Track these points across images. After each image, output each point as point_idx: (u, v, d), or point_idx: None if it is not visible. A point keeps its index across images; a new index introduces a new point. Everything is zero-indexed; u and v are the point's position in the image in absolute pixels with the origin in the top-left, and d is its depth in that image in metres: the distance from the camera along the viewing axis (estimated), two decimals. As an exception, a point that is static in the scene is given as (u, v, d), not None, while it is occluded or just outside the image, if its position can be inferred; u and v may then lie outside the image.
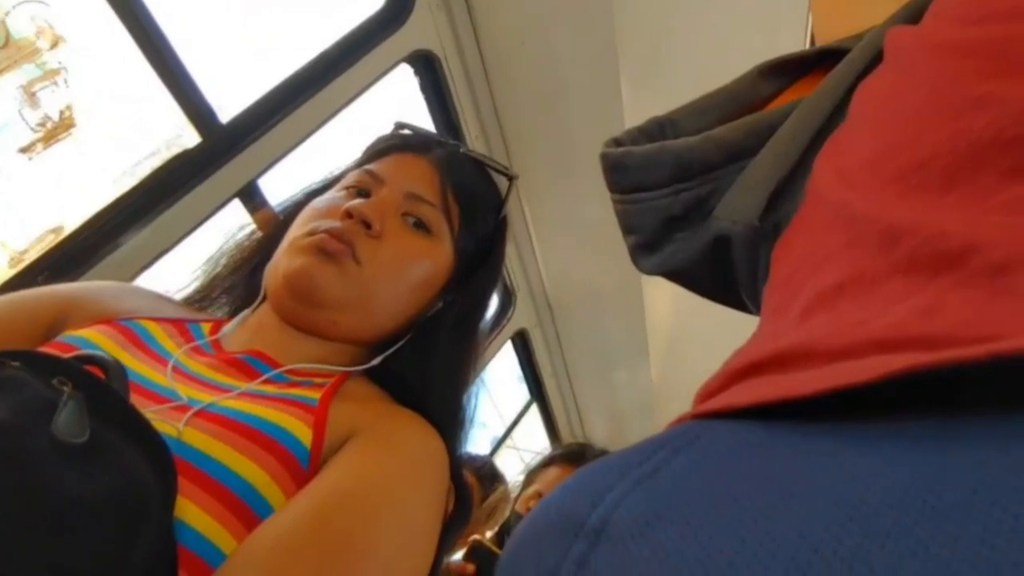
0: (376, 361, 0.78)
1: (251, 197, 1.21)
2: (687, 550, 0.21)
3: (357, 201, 0.76)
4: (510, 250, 1.74)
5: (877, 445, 0.21)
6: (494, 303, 0.94)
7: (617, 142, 0.50)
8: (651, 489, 0.24)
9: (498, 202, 0.89)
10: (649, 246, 0.49)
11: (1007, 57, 0.29)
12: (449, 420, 0.80)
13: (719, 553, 0.20)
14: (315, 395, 0.67)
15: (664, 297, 1.69)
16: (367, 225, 0.74)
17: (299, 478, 0.61)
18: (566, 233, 1.68)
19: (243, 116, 1.20)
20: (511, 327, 1.85)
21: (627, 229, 0.50)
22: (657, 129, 0.51)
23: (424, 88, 1.48)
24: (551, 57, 1.38)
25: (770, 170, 0.42)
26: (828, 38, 0.50)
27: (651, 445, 0.26)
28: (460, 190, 0.82)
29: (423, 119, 1.50)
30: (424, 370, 0.79)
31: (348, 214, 0.74)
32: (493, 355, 1.80)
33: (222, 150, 1.16)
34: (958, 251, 0.24)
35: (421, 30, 1.38)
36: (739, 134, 0.46)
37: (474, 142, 1.54)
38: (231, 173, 1.16)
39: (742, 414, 0.25)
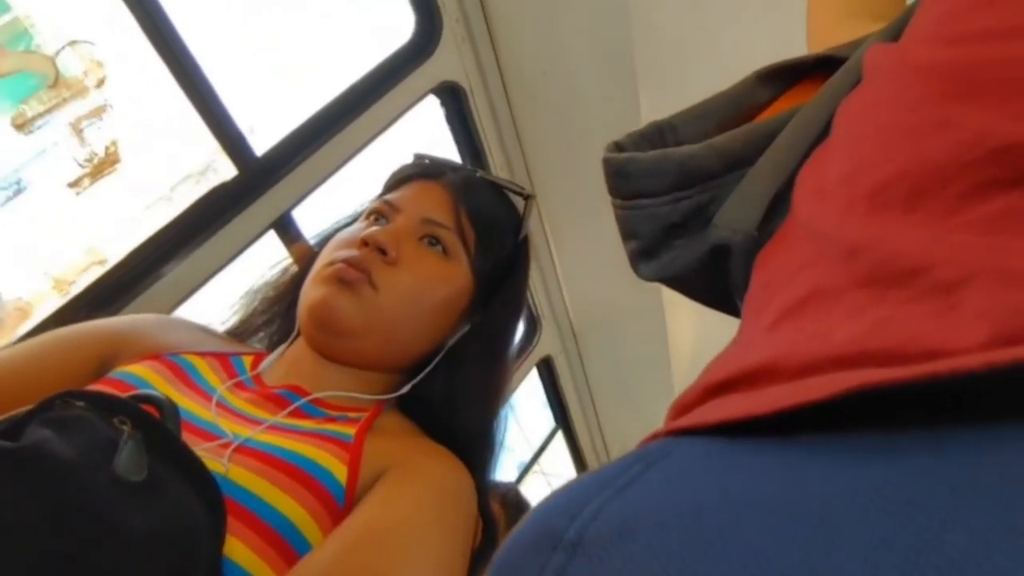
0: (406, 389, 0.80)
1: (285, 228, 1.24)
2: (656, 561, 0.22)
3: (372, 229, 0.79)
4: (534, 278, 1.76)
5: (826, 459, 0.23)
6: (519, 329, 0.95)
7: (619, 147, 0.51)
8: (624, 502, 0.25)
9: (516, 222, 0.89)
10: (648, 252, 0.50)
11: (971, 80, 0.30)
12: (478, 449, 0.82)
13: (683, 564, 0.21)
14: (350, 431, 0.69)
15: (686, 321, 1.69)
16: (383, 252, 0.76)
17: (335, 515, 0.63)
18: (590, 260, 1.70)
19: (277, 148, 1.24)
20: (536, 354, 1.87)
21: (627, 235, 0.51)
22: (657, 134, 0.51)
23: (450, 119, 1.51)
24: (572, 87, 1.40)
25: (768, 180, 0.42)
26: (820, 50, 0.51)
27: (627, 460, 0.27)
28: (474, 212, 0.83)
29: (449, 149, 1.53)
30: (454, 395, 0.80)
31: (364, 243, 0.77)
32: (519, 382, 1.81)
33: (257, 182, 1.20)
34: (909, 270, 0.26)
35: (447, 62, 1.42)
36: (738, 143, 0.46)
37: (499, 171, 1.57)
38: (266, 205, 1.20)
39: (713, 430, 0.27)
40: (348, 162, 1.32)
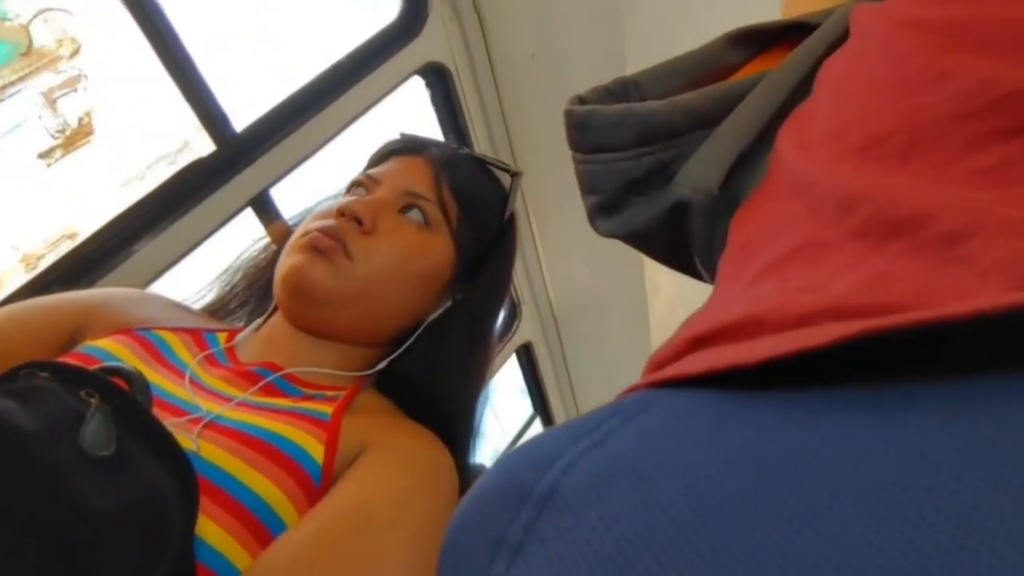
0: (383, 364, 0.79)
1: (263, 207, 1.22)
2: (636, 514, 0.21)
3: (350, 199, 0.78)
4: (516, 264, 1.75)
5: (822, 411, 0.21)
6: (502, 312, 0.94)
7: (582, 100, 0.50)
8: (600, 455, 0.24)
9: (502, 199, 0.88)
10: (608, 208, 0.49)
11: (968, 34, 0.29)
12: (459, 431, 0.81)
13: (667, 518, 0.20)
14: (327, 409, 0.68)
15: (669, 308, 1.70)
16: (359, 222, 0.75)
17: (311, 494, 0.61)
18: (573, 246, 1.69)
19: (257, 125, 1.21)
20: (516, 340, 1.86)
21: (587, 189, 0.50)
22: (622, 90, 0.50)
23: (435, 100, 1.49)
24: (561, 70, 1.39)
25: (733, 141, 0.42)
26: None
27: (602, 413, 0.26)
28: (457, 185, 0.82)
29: (434, 131, 1.51)
30: (435, 373, 0.79)
31: (340, 213, 0.76)
32: (499, 368, 1.80)
33: (236, 159, 1.17)
34: (910, 219, 0.25)
35: (433, 42, 1.39)
36: (706, 101, 0.46)
37: (483, 153, 1.55)
38: (244, 182, 1.17)
39: (694, 383, 0.25)
40: (330, 141, 1.30)
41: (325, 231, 0.74)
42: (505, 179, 0.90)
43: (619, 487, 0.22)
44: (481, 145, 1.55)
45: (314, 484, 0.62)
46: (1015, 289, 0.21)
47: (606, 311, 1.84)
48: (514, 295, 1.79)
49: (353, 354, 0.78)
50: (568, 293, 1.85)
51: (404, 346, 0.79)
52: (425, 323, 0.80)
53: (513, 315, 1.82)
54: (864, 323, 0.21)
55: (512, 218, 0.90)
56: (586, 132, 0.47)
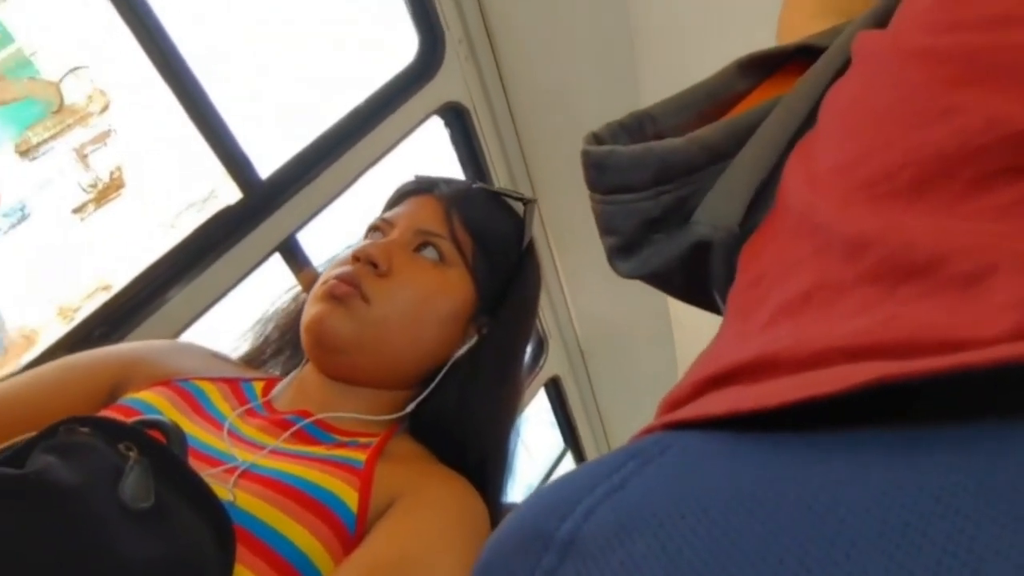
0: (411, 406, 0.78)
1: (291, 251, 1.24)
2: (656, 563, 0.21)
3: (364, 243, 0.79)
4: (541, 297, 1.75)
5: (840, 455, 0.21)
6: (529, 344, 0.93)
7: (597, 139, 0.49)
8: (621, 501, 0.23)
9: (518, 228, 0.87)
10: (627, 249, 0.49)
11: (974, 66, 0.29)
12: (492, 472, 0.80)
13: (689, 567, 0.20)
14: (361, 456, 0.68)
15: (694, 338, 1.68)
16: (374, 265, 0.76)
17: (346, 542, 0.61)
18: (596, 279, 1.69)
19: (282, 171, 1.24)
20: (544, 374, 1.85)
21: (605, 231, 0.49)
22: (637, 125, 0.50)
23: (454, 139, 1.51)
24: (576, 105, 1.40)
25: (750, 174, 0.41)
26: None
27: (621, 456, 0.26)
28: (469, 219, 0.82)
29: (454, 169, 1.53)
30: (466, 412, 0.79)
31: (356, 258, 0.76)
32: (528, 402, 1.80)
33: (262, 205, 1.19)
34: (925, 262, 0.24)
35: (450, 82, 1.42)
36: (719, 135, 0.45)
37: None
38: (271, 228, 1.20)
39: (711, 424, 0.25)
40: (353, 184, 1.32)
41: (341, 278, 0.75)
42: (520, 209, 0.90)
43: (640, 534, 0.22)
44: (501, 181, 1.57)
45: (348, 532, 0.62)
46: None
47: (632, 343, 1.83)
48: (540, 329, 1.79)
49: (383, 398, 0.79)
50: (593, 326, 1.85)
51: (431, 386, 0.79)
52: (452, 360, 0.80)
53: (540, 349, 1.82)
54: (881, 369, 0.20)
55: (531, 247, 0.90)
56: (604, 173, 0.47)
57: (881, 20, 0.39)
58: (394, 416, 0.78)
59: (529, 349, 1.51)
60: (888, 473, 0.20)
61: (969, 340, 0.21)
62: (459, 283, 0.79)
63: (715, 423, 0.25)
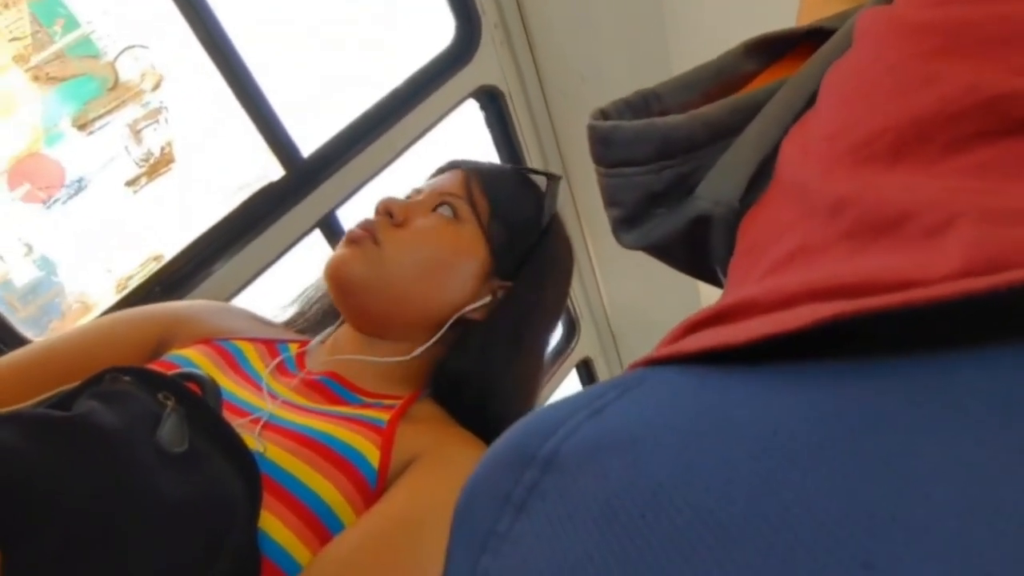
0: (419, 350, 0.80)
1: (331, 228, 1.28)
2: (626, 474, 0.23)
3: (388, 197, 0.84)
4: (574, 282, 1.76)
5: (796, 382, 0.23)
6: (555, 317, 0.94)
7: (604, 114, 0.50)
8: (598, 423, 0.26)
9: (538, 199, 0.90)
10: (630, 221, 0.50)
11: (960, 37, 0.30)
12: None
13: (653, 476, 0.22)
14: (384, 416, 0.72)
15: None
16: (391, 216, 0.81)
17: (368, 496, 0.65)
18: (627, 262, 1.70)
19: (323, 150, 1.27)
20: (576, 355, 1.87)
21: (609, 202, 0.50)
22: (642, 102, 0.51)
23: (489, 122, 1.53)
24: (610, 91, 1.40)
25: (752, 152, 0.42)
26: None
27: (602, 387, 0.28)
28: (487, 185, 0.86)
29: (489, 152, 1.56)
30: (485, 372, 0.81)
31: (376, 210, 0.82)
32: (559, 384, 1.82)
33: (303, 182, 1.24)
34: (895, 217, 0.26)
35: (486, 66, 1.44)
36: (724, 113, 0.46)
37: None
38: (312, 204, 1.24)
39: (690, 361, 0.27)
40: (391, 163, 1.36)
41: (360, 224, 0.81)
42: (544, 185, 0.92)
43: (613, 450, 0.24)
44: (534, 163, 1.59)
45: (370, 487, 0.66)
46: (971, 262, 0.22)
47: (662, 326, 1.81)
48: (572, 311, 1.81)
49: (403, 349, 0.82)
50: (624, 308, 1.86)
51: (439, 334, 0.81)
52: (462, 313, 0.82)
53: (572, 330, 1.84)
54: (836, 307, 0.22)
55: (556, 221, 0.92)
56: (609, 147, 0.48)
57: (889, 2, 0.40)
58: (408, 357, 0.80)
59: (560, 329, 1.52)
60: (833, 394, 0.22)
61: (919, 279, 0.22)
62: (470, 239, 0.83)
63: (696, 360, 0.27)
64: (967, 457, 0.18)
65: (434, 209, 0.83)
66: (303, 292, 0.97)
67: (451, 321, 0.81)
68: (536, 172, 0.94)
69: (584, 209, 1.66)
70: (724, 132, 0.46)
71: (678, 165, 0.46)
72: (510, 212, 0.86)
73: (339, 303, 0.81)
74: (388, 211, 0.81)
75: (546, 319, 0.90)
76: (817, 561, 0.18)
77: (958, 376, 0.21)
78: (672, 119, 0.47)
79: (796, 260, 0.30)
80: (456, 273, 0.81)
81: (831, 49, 0.43)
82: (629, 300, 1.84)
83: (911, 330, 0.22)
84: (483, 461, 0.29)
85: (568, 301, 1.78)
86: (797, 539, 0.18)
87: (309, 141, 1.24)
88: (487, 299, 0.83)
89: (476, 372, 0.81)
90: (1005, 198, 0.25)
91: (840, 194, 0.29)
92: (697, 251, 0.48)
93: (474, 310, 0.82)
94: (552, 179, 0.92)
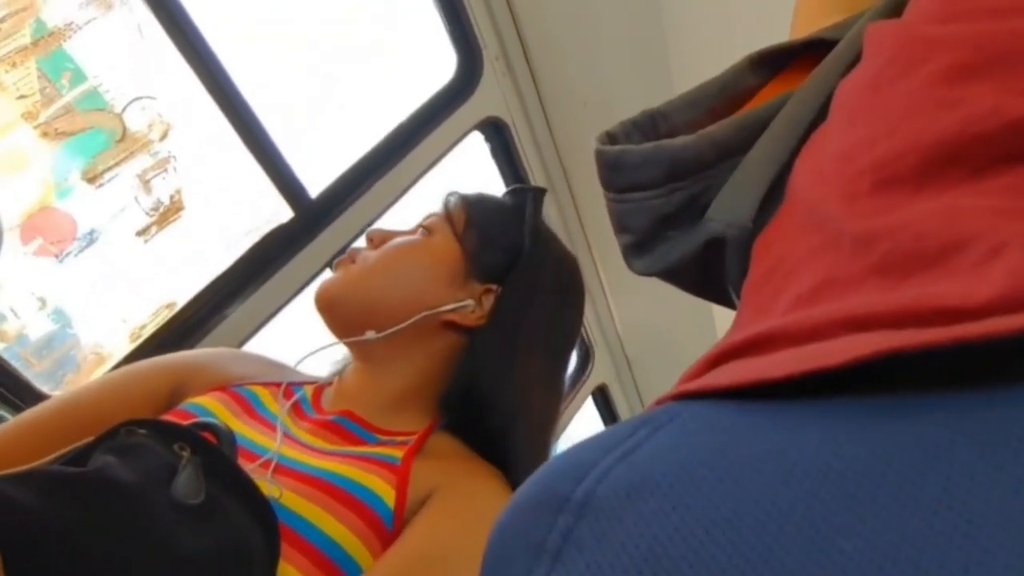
0: (381, 335, 0.80)
1: (341, 266, 1.28)
2: (667, 520, 0.22)
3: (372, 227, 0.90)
4: (587, 309, 1.75)
5: (840, 418, 0.22)
6: (556, 335, 0.92)
7: (611, 137, 0.49)
8: (632, 464, 0.25)
9: (520, 210, 0.91)
10: (641, 246, 0.49)
11: (980, 55, 0.29)
12: (529, 469, 0.81)
13: (696, 523, 0.21)
14: (398, 453, 0.71)
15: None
16: (372, 241, 0.87)
17: (384, 538, 0.64)
18: (639, 287, 1.68)
19: (330, 189, 1.28)
20: (591, 383, 1.85)
21: (620, 228, 0.50)
22: (649, 123, 0.50)
23: (495, 153, 1.54)
24: (614, 114, 1.41)
25: (762, 170, 0.41)
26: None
27: (633, 424, 0.27)
28: (467, 200, 0.89)
29: (495, 182, 1.56)
30: (479, 382, 0.81)
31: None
32: (576, 411, 1.80)
33: (312, 223, 1.24)
34: (938, 250, 0.24)
35: (489, 98, 1.45)
36: (732, 130, 0.45)
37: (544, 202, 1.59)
38: (322, 244, 1.24)
39: (720, 395, 0.26)
40: (398, 200, 1.37)
41: (347, 252, 0.86)
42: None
43: (650, 493, 0.23)
44: (542, 192, 1.59)
45: (386, 528, 0.64)
46: (1013, 288, 0.21)
47: (677, 351, 1.81)
48: (586, 338, 1.79)
49: (395, 358, 0.83)
50: (638, 334, 1.84)
51: (405, 323, 0.80)
52: (439, 311, 0.82)
53: (586, 357, 1.82)
54: (878, 342, 0.21)
55: (546, 234, 0.92)
56: (617, 172, 0.47)
57: (892, 11, 0.40)
58: (382, 334, 0.81)
59: (574, 356, 1.49)
60: (884, 431, 0.21)
61: (959, 307, 0.21)
62: (440, 244, 0.86)
63: (723, 394, 0.26)
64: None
65: (414, 232, 0.88)
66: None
67: (421, 315, 0.81)
68: (523, 188, 0.96)
69: (594, 235, 1.66)
70: (733, 151, 0.45)
71: (688, 187, 0.45)
72: (487, 219, 0.89)
73: (328, 325, 0.85)
74: (370, 238, 0.87)
75: (544, 328, 0.88)
76: None
77: (1014, 411, 0.19)
78: (680, 140, 0.46)
79: (822, 294, 0.29)
80: (422, 271, 0.84)
81: (835, 61, 0.43)
82: (642, 325, 1.82)
83: (952, 361, 0.21)
84: (512, 505, 0.28)
85: (582, 329, 1.77)
86: None
87: (312, 174, 1.25)
88: (468, 302, 0.83)
89: (474, 382, 0.81)
90: None
91: (867, 228, 0.28)
92: (710, 273, 0.47)
93: (454, 311, 0.83)
94: (535, 191, 0.94)
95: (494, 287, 0.84)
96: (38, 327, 1.35)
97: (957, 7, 0.32)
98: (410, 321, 0.81)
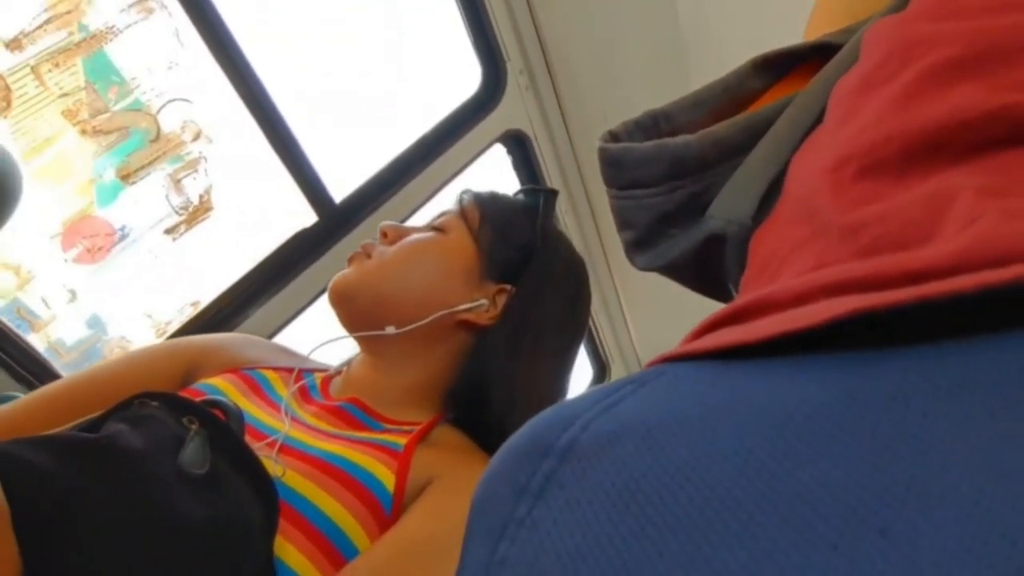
0: (401, 329, 0.80)
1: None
2: (642, 460, 0.23)
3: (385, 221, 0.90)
4: (602, 320, 1.76)
5: (811, 371, 0.23)
6: (588, 376, 0.93)
7: (613, 136, 0.50)
8: (615, 414, 0.26)
9: (534, 211, 0.92)
10: (643, 242, 0.49)
11: (972, 49, 0.30)
12: None
13: (669, 462, 0.23)
14: (401, 440, 0.72)
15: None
16: (385, 236, 0.86)
17: (382, 521, 0.65)
18: (656, 301, 1.69)
19: (354, 195, 1.31)
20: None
21: (621, 225, 0.50)
22: (651, 122, 0.50)
23: (516, 165, 1.57)
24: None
25: (762, 169, 0.42)
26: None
27: (620, 382, 0.28)
28: (480, 198, 0.89)
29: (517, 194, 1.58)
30: (485, 379, 0.82)
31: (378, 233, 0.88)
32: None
33: (336, 227, 1.27)
34: (918, 238, 0.26)
35: (512, 111, 1.48)
36: (734, 131, 0.46)
37: (564, 214, 1.60)
38: (344, 249, 1.26)
39: (707, 358, 0.27)
40: (420, 208, 1.39)
41: (361, 246, 0.86)
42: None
43: (629, 438, 0.24)
44: (562, 205, 1.61)
45: (385, 512, 0.65)
46: (974, 244, 0.22)
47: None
48: (603, 353, 1.79)
49: (406, 355, 0.83)
50: (655, 348, 1.84)
51: (424, 321, 0.81)
52: (454, 311, 0.82)
53: (603, 372, 1.82)
54: (851, 301, 0.23)
55: (557, 235, 0.93)
56: (620, 169, 0.48)
57: (896, 11, 0.40)
58: (398, 331, 0.81)
59: (591, 371, 1.49)
60: (848, 380, 0.22)
61: (925, 269, 0.23)
62: (456, 242, 0.85)
63: (713, 357, 0.27)
64: (981, 431, 0.18)
65: (428, 229, 0.88)
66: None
67: (438, 315, 0.81)
68: (536, 188, 0.96)
69: (612, 248, 1.67)
70: (734, 151, 0.46)
71: (689, 185, 0.46)
72: (501, 218, 0.89)
73: (340, 319, 0.85)
74: (383, 232, 0.87)
75: (553, 329, 0.89)
76: (834, 532, 0.18)
77: (970, 359, 0.21)
78: (682, 139, 0.47)
79: None
80: (439, 271, 0.84)
81: (838, 64, 0.44)
82: (659, 339, 1.82)
83: (925, 316, 0.22)
84: (500, 454, 0.29)
85: (598, 345, 1.77)
86: (815, 512, 0.19)
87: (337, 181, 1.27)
88: (482, 301, 0.83)
89: (477, 378, 0.82)
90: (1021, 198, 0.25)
91: (855, 215, 0.29)
92: (710, 269, 0.48)
93: (469, 311, 0.83)
94: (549, 193, 0.94)
95: (508, 287, 0.85)
96: (73, 328, 1.39)
97: (952, 4, 0.33)
98: (429, 319, 0.81)
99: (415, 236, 0.86)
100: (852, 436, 0.20)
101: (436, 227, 0.87)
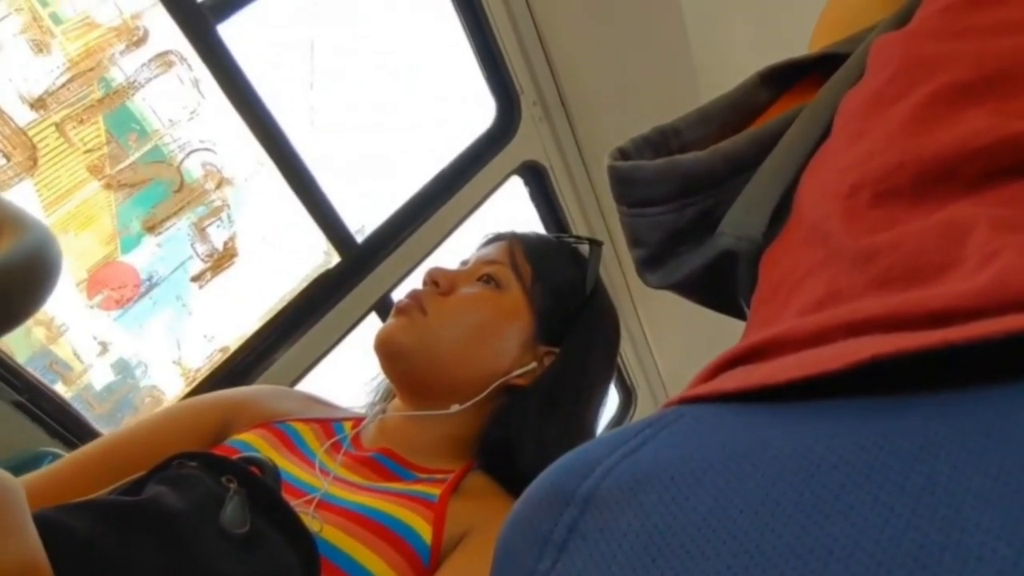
0: (458, 408, 0.79)
1: (387, 309, 1.31)
2: (667, 511, 0.23)
3: (433, 267, 0.87)
4: (626, 348, 1.75)
5: (835, 417, 0.23)
6: (614, 402, 0.92)
7: (623, 153, 0.49)
8: (636, 461, 0.25)
9: (582, 264, 0.91)
10: (655, 260, 0.49)
11: (980, 71, 0.30)
12: None
13: (694, 512, 0.22)
14: (435, 491, 0.72)
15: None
16: (436, 284, 0.83)
17: (420, 573, 0.65)
18: (680, 329, 1.68)
19: (376, 234, 1.32)
20: (633, 425, 1.83)
21: (633, 242, 0.50)
22: (661, 138, 0.50)
23: (534, 197, 1.57)
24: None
25: (772, 185, 0.41)
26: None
27: (639, 425, 0.28)
28: (530, 251, 0.87)
29: (535, 226, 1.58)
30: (519, 437, 0.80)
31: (424, 281, 0.85)
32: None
33: (359, 267, 1.28)
34: (935, 266, 0.25)
35: (528, 143, 1.49)
36: (743, 145, 0.45)
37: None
38: (368, 288, 1.28)
39: (725, 399, 0.27)
40: (441, 244, 1.40)
41: (408, 295, 0.83)
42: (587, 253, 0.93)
43: (652, 487, 0.24)
44: (581, 234, 1.60)
45: (423, 563, 0.65)
46: (995, 282, 0.22)
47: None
48: (628, 380, 1.78)
49: (451, 420, 0.81)
50: (680, 375, 1.83)
51: (485, 393, 0.80)
52: (507, 378, 0.81)
53: (629, 400, 1.81)
54: (877, 344, 0.22)
55: (600, 289, 0.92)
56: (630, 187, 0.48)
57: (900, 25, 0.40)
58: (451, 411, 0.79)
59: (617, 399, 1.47)
60: (872, 427, 0.21)
61: (949, 310, 0.22)
62: (514, 304, 0.84)
63: (728, 398, 0.27)
64: (1016, 487, 0.18)
65: (479, 278, 0.85)
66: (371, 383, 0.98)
67: (495, 385, 0.81)
68: (579, 239, 0.95)
69: (632, 277, 1.66)
70: (744, 165, 0.45)
71: (700, 202, 0.46)
72: (553, 276, 0.87)
73: (387, 371, 0.83)
74: (434, 280, 0.84)
75: (591, 386, 0.89)
76: None
77: (998, 406, 0.20)
78: (692, 156, 0.46)
79: (825, 307, 0.29)
80: (499, 337, 0.82)
81: (845, 76, 0.43)
82: (683, 366, 1.81)
83: (946, 356, 0.22)
84: (521, 502, 0.29)
85: (623, 371, 1.76)
86: (847, 572, 0.18)
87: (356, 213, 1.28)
88: (532, 365, 0.83)
89: (512, 437, 0.80)
90: None
91: (868, 242, 0.28)
92: (721, 285, 0.47)
93: (520, 376, 0.82)
94: (594, 244, 0.93)
95: (556, 351, 0.84)
96: (102, 376, 1.41)
97: (958, 24, 0.33)
98: (488, 391, 0.80)
99: (469, 291, 0.84)
100: (881, 488, 0.19)
101: (488, 277, 0.85)
